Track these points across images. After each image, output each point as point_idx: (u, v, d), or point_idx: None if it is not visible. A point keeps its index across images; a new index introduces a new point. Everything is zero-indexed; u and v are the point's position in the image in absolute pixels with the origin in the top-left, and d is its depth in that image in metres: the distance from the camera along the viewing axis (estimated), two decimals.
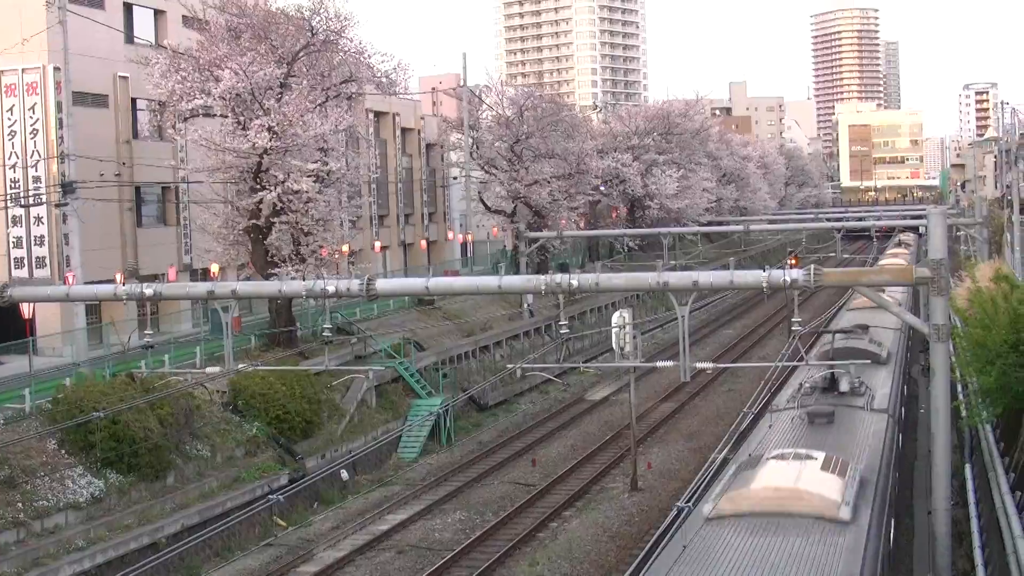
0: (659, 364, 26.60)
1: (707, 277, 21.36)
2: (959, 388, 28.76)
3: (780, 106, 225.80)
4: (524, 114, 63.26)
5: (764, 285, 20.50)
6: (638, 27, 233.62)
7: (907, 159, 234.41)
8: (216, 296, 24.56)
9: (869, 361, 23.72)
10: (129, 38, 45.51)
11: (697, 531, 13.58)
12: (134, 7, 46.57)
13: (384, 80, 44.20)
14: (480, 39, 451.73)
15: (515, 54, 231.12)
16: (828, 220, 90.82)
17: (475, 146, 63.50)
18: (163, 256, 46.58)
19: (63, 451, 27.62)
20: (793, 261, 54.74)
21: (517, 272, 55.50)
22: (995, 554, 18.78)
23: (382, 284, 23.64)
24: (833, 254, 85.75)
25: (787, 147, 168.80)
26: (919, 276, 19.00)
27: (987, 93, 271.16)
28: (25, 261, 40.20)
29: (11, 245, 40.38)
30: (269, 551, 29.10)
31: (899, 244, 74.92)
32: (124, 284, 28.26)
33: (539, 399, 48.55)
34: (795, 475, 14.60)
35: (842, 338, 26.11)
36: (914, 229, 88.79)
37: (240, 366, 29.15)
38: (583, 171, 67.30)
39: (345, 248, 46.27)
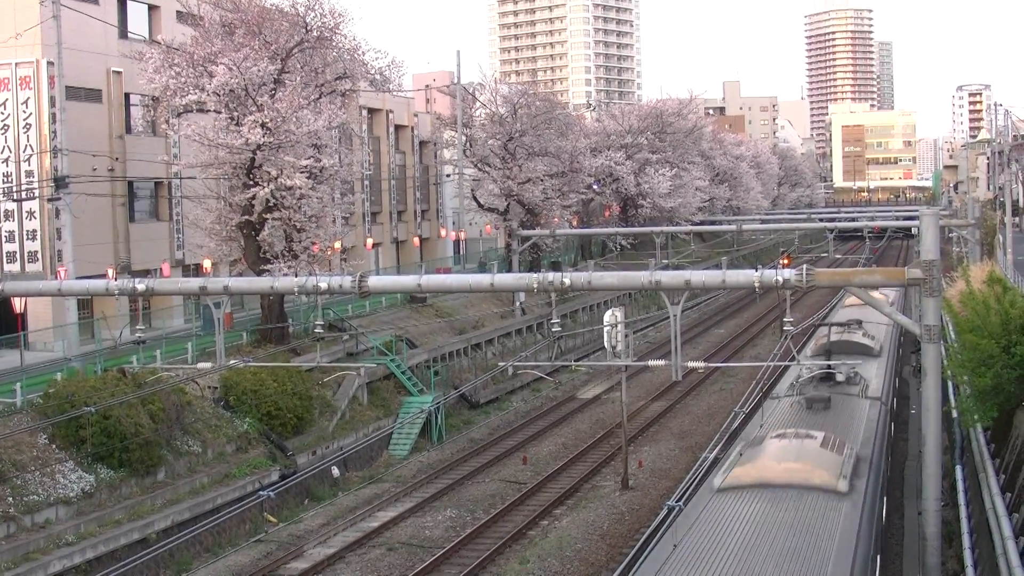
0: (651, 363, 26.62)
1: (699, 276, 21.39)
2: (950, 389, 28.84)
3: (774, 106, 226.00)
4: (518, 112, 63.28)
5: (756, 285, 20.53)
6: (632, 26, 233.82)
7: (900, 160, 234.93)
8: (208, 292, 24.53)
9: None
10: (123, 33, 45.47)
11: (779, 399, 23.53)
12: (128, 2, 46.53)
13: (378, 77, 44.18)
14: (474, 37, 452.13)
15: (509, 52, 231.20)
16: (821, 220, 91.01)
17: (468, 144, 63.47)
18: (155, 251, 46.54)
19: (54, 446, 27.56)
20: (785, 261, 54.77)
21: (509, 270, 55.51)
22: (984, 555, 18.82)
23: (374, 281, 23.62)
24: (826, 254, 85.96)
25: (780, 147, 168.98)
26: (911, 277, 19.02)
27: (980, 95, 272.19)
28: (17, 255, 40.16)
29: (3, 239, 40.31)
30: (259, 547, 29.08)
31: None
32: (116, 279, 28.20)
33: (530, 397, 48.56)
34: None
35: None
36: (906, 230, 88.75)
37: (231, 362, 29.16)
38: (576, 169, 67.35)
39: (337, 245, 46.19)
